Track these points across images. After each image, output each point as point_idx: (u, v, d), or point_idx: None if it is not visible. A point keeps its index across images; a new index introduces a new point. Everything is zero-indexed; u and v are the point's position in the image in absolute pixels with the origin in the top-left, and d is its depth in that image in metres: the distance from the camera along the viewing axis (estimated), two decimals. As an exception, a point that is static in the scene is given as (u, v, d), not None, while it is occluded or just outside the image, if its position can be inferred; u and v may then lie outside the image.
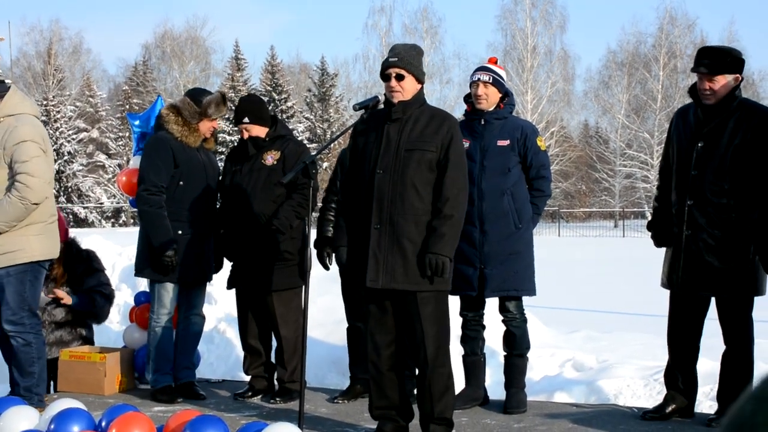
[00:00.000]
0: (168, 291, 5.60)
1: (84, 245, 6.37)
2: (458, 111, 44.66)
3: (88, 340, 6.21)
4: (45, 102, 48.92)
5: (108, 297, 6.20)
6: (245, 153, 5.58)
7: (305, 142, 50.41)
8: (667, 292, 4.86)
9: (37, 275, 5.14)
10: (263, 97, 55.22)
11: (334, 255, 4.62)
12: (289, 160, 5.49)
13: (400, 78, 4.34)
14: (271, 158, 5.51)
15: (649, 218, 5.07)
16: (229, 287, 5.68)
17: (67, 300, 5.97)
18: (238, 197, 5.50)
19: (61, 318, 6.03)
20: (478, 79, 5.31)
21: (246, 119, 5.54)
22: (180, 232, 5.54)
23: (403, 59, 4.34)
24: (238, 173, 5.56)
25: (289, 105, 52.81)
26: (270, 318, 5.58)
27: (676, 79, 46.42)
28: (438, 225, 4.23)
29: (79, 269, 6.11)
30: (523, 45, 45.92)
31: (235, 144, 5.82)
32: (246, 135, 5.56)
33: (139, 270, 5.69)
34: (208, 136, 5.78)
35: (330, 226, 5.65)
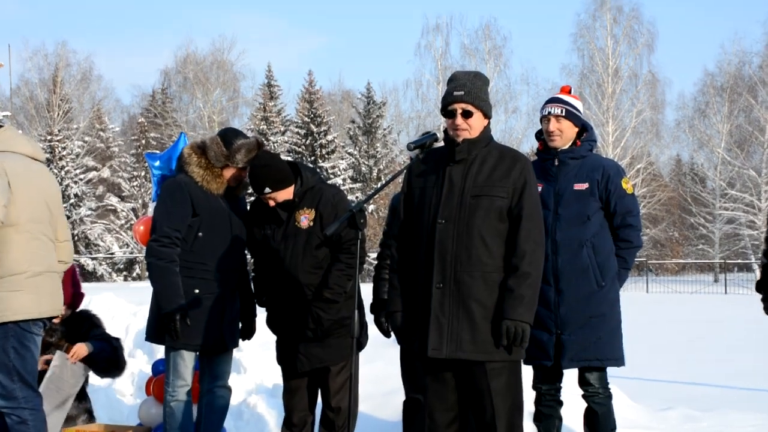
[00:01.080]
0: (184, 360, 5.60)
1: (92, 304, 6.48)
2: (526, 145, 44.91)
3: (92, 415, 6.25)
4: (49, 137, 50.01)
5: (117, 340, 6.29)
6: (274, 215, 5.54)
7: (348, 181, 51.07)
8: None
9: (23, 341, 5.05)
10: (300, 130, 55.04)
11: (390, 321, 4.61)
12: (325, 215, 5.46)
13: (467, 115, 4.36)
14: (305, 219, 5.48)
15: (758, 275, 5.00)
16: (279, 363, 5.70)
17: (83, 352, 5.99)
18: (277, 267, 5.48)
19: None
20: (549, 112, 5.34)
21: (267, 189, 5.45)
22: (197, 290, 5.54)
23: (471, 92, 4.35)
24: (271, 239, 5.53)
25: (330, 139, 53.30)
26: (323, 388, 5.60)
27: (788, 106, 45.98)
28: (515, 285, 4.22)
29: (84, 328, 6.21)
30: (603, 67, 45.95)
31: (255, 198, 5.78)
32: (272, 204, 5.49)
33: (151, 335, 5.72)
34: (233, 185, 5.77)
35: (386, 288, 5.64)
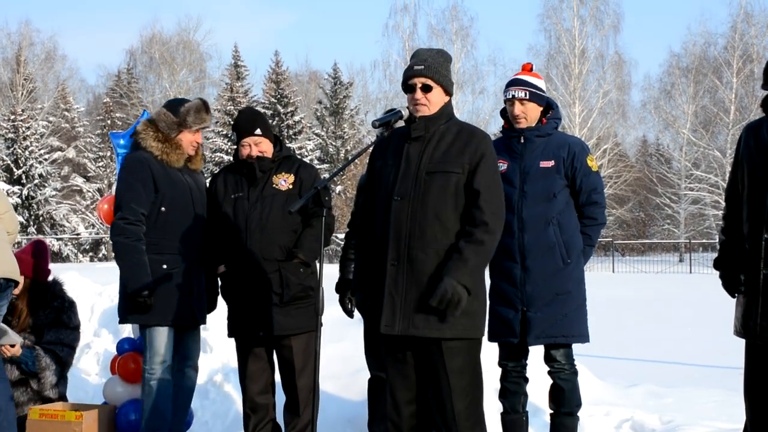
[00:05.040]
0: (161, 335, 5.55)
1: (69, 293, 6.36)
2: (493, 126, 44.93)
3: (47, 399, 6.14)
4: (13, 117, 49.41)
5: (61, 361, 6.13)
6: (248, 176, 5.56)
7: (315, 162, 50.92)
8: (742, 341, 4.82)
9: None
10: (267, 111, 55.13)
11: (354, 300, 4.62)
12: (306, 184, 5.51)
13: (426, 89, 4.36)
14: (284, 182, 5.52)
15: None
16: (231, 335, 5.66)
17: (14, 351, 5.88)
18: (248, 229, 5.46)
19: (15, 376, 6.02)
20: (513, 96, 5.34)
21: (259, 130, 5.52)
22: (165, 266, 5.52)
23: (431, 67, 4.35)
24: (242, 201, 5.53)
25: (297, 119, 53.09)
26: (285, 366, 5.57)
27: (752, 87, 46.28)
28: (463, 248, 4.18)
29: (43, 318, 6.11)
30: (570, 48, 46.04)
31: (228, 165, 5.80)
32: (255, 152, 5.53)
33: (123, 316, 5.65)
34: (191, 153, 5.77)
35: (352, 267, 5.66)
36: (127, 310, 5.54)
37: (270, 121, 5.82)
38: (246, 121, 5.57)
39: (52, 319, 6.15)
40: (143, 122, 5.79)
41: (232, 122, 51.28)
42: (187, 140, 5.72)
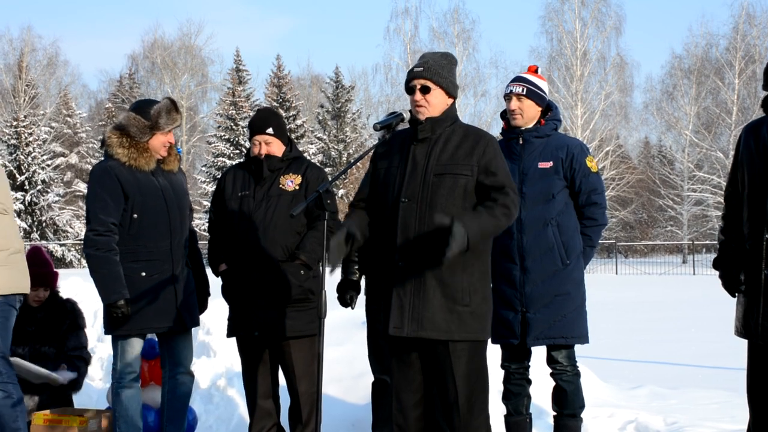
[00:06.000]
0: (133, 347, 5.51)
1: (63, 293, 6.43)
2: (495, 128, 44.89)
3: (68, 401, 6.21)
4: (15, 123, 49.49)
5: (87, 362, 6.24)
6: (256, 174, 5.55)
7: (317, 166, 50.76)
8: (745, 342, 4.82)
9: (6, 314, 5.09)
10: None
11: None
12: (312, 185, 5.48)
13: (425, 91, 4.36)
14: (291, 182, 5.50)
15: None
16: (230, 335, 5.66)
17: (60, 378, 6.00)
18: (251, 228, 5.45)
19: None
20: (511, 91, 5.37)
21: (270, 129, 5.51)
22: (143, 274, 5.44)
23: (430, 68, 4.36)
24: (248, 199, 5.52)
25: (299, 123, 53.15)
26: (286, 372, 5.57)
27: (754, 88, 46.29)
28: (483, 209, 4.16)
29: (65, 325, 6.16)
30: (572, 50, 46.06)
31: (238, 163, 5.80)
32: (264, 150, 5.52)
33: (107, 329, 5.57)
34: (163, 155, 5.64)
35: (355, 268, 5.67)
36: (109, 322, 5.49)
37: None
38: (259, 120, 5.57)
39: (69, 324, 6.22)
40: (109, 129, 5.67)
41: (234, 127, 51.37)
42: (159, 142, 5.59)
